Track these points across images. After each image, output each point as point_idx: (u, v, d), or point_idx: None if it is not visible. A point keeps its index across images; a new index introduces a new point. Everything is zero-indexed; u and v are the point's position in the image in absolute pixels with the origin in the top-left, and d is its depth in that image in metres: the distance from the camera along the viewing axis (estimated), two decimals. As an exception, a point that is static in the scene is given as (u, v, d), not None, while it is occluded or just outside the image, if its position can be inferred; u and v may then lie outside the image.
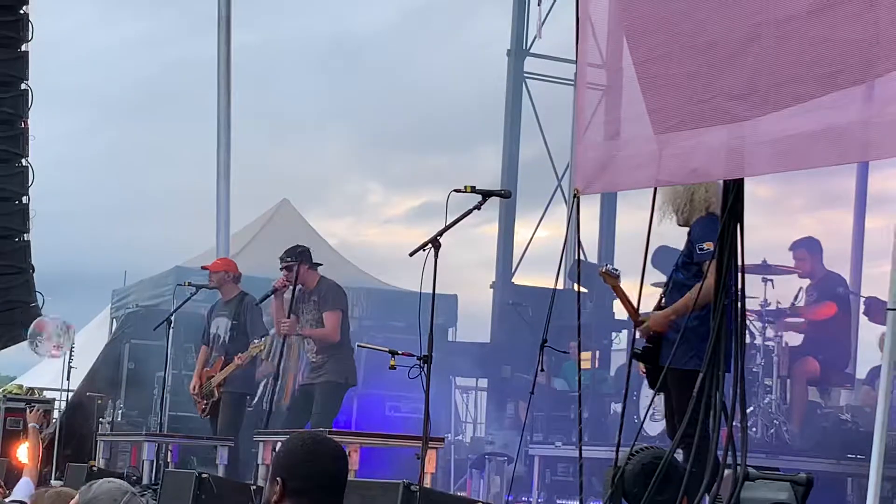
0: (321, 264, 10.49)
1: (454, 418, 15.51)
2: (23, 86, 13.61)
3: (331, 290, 10.32)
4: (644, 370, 7.59)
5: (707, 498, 5.45)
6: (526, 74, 17.98)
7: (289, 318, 10.23)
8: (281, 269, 10.39)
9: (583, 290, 13.72)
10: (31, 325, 14.21)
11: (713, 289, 5.47)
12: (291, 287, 10.26)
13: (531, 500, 12.86)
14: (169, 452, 11.47)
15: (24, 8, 13.35)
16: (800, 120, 4.69)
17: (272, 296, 10.39)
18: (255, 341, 10.60)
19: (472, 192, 7.20)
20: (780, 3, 4.78)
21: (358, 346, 11.12)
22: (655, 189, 5.71)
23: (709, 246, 6.83)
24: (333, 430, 8.94)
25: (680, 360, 6.81)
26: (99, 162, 37.09)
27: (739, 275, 5.49)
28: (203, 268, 11.63)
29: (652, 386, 7.69)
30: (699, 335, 6.42)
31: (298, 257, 10.30)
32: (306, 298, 10.32)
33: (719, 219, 5.61)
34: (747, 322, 8.59)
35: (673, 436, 7.12)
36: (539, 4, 17.25)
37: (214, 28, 14.66)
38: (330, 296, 10.27)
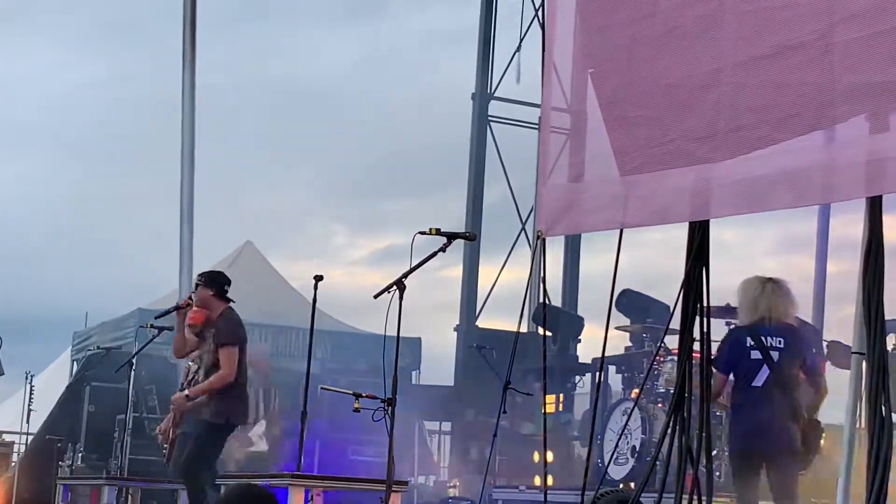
0: (233, 301, 9.90)
1: (418, 461, 15.42)
2: (-16, 127, 13.55)
3: (229, 323, 9.70)
4: None
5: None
6: (490, 118, 18.06)
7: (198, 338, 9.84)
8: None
9: (547, 333, 13.72)
10: None
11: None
12: (191, 307, 9.76)
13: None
14: (129, 496, 11.33)
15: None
16: (761, 162, 4.72)
17: (174, 312, 9.89)
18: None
19: (436, 234, 7.18)
20: (739, 47, 4.82)
21: (321, 388, 11.01)
22: (621, 231, 5.71)
23: None
24: (300, 473, 8.82)
25: None
26: (60, 203, 36.89)
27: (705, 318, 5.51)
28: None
29: None
30: None
31: (206, 281, 9.82)
32: (209, 327, 9.78)
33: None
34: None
35: None
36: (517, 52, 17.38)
37: (178, 69, 14.63)
38: (226, 328, 9.66)
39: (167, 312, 10.13)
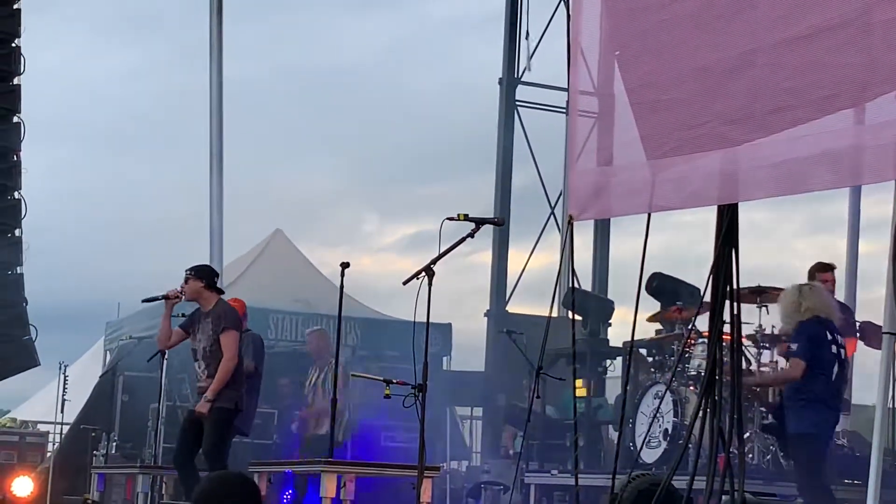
0: (223, 291, 10.20)
1: (450, 447, 15.44)
2: (15, 118, 13.62)
3: (228, 312, 9.97)
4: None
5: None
6: (518, 103, 18.04)
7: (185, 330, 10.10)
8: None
9: (577, 317, 13.70)
10: None
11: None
12: (181, 299, 10.06)
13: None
14: (164, 485, 11.40)
15: (16, 41, 13.36)
16: (795, 144, 4.69)
17: (163, 301, 10.10)
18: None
19: (465, 220, 7.18)
20: (775, 27, 4.78)
21: (352, 375, 11.05)
22: (649, 215, 5.70)
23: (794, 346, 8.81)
24: (332, 459, 8.85)
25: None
26: (91, 193, 37.13)
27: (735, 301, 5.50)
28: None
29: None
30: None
31: (197, 273, 10.03)
32: (202, 318, 10.00)
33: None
34: (743, 348, 8.65)
35: None
36: (527, 38, 17.43)
37: (206, 58, 14.66)
38: (227, 317, 9.90)
39: (155, 299, 10.29)
